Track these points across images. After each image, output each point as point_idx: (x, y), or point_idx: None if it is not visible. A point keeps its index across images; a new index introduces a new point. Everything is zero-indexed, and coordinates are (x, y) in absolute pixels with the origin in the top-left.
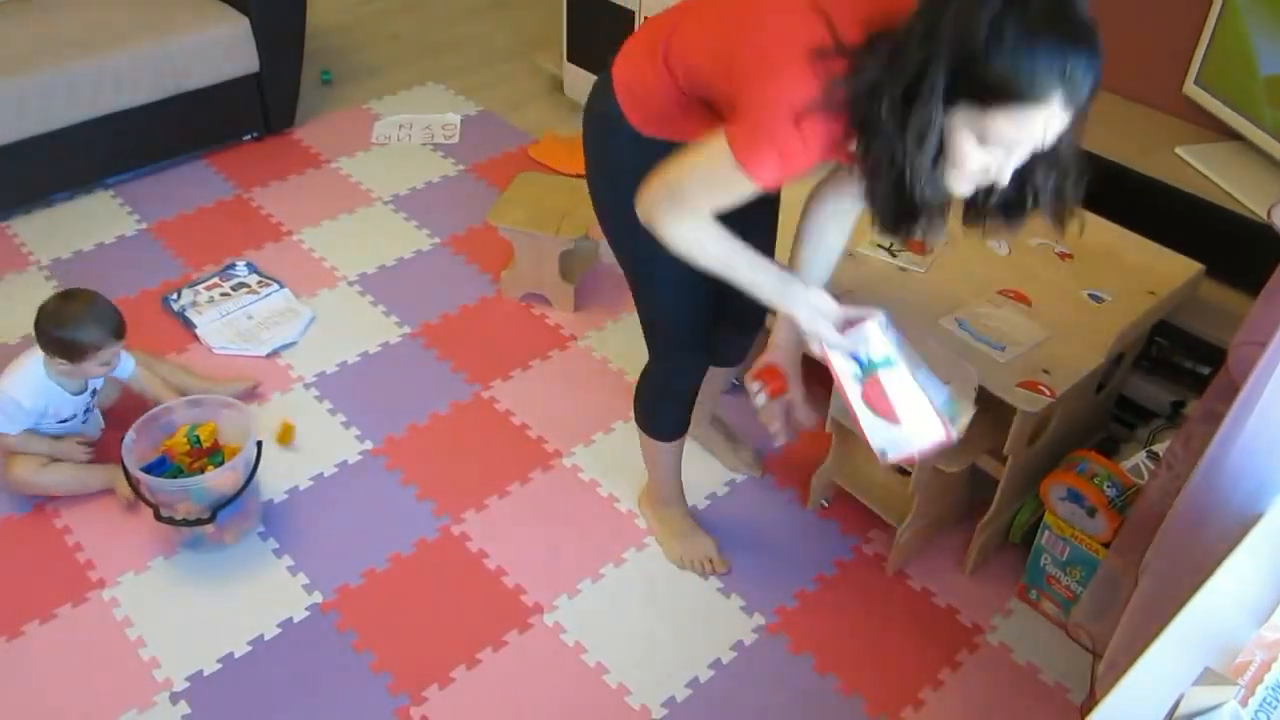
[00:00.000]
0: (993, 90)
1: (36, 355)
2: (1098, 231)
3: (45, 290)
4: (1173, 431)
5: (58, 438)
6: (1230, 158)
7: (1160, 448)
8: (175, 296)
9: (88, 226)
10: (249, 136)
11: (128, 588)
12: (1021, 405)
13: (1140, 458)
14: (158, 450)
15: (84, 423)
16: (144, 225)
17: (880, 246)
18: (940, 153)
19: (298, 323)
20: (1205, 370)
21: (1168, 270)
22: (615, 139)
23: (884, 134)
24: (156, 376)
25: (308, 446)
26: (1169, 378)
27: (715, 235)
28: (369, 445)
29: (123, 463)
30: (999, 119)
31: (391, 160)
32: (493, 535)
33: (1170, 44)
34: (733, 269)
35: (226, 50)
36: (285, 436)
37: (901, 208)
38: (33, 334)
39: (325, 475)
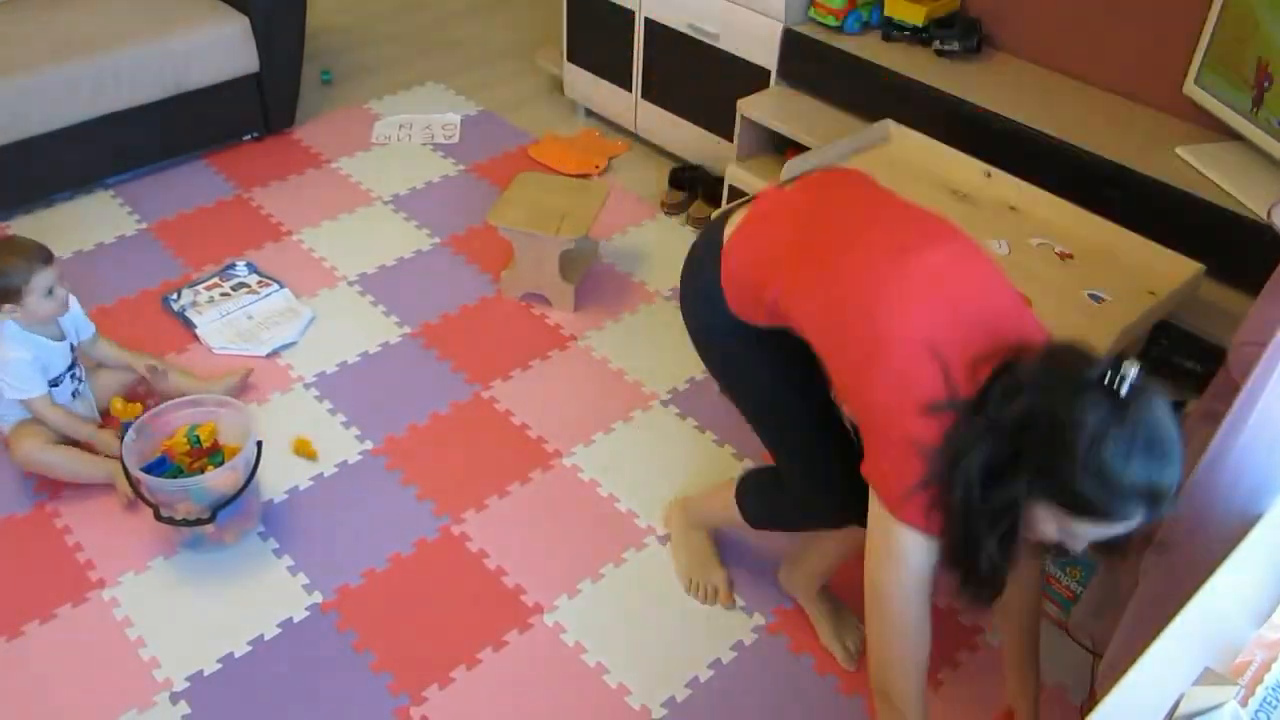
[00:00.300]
0: (1080, 506)
1: (3, 319)
2: (1097, 231)
3: None
4: None
5: (90, 425)
6: (1230, 158)
7: None
8: (175, 296)
9: (88, 226)
10: (249, 136)
11: (128, 588)
12: None
13: None
14: (158, 450)
15: (74, 395)
16: (144, 225)
17: None
18: (1012, 529)
19: (298, 322)
20: (1206, 370)
21: (1168, 270)
22: (715, 315)
23: (963, 499)
24: (118, 349)
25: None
26: (1170, 377)
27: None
28: (369, 445)
29: (122, 462)
30: (1084, 523)
31: (391, 160)
32: (493, 535)
33: (1170, 44)
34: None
35: (227, 50)
36: (304, 449)
37: (966, 569)
38: None
39: (325, 475)
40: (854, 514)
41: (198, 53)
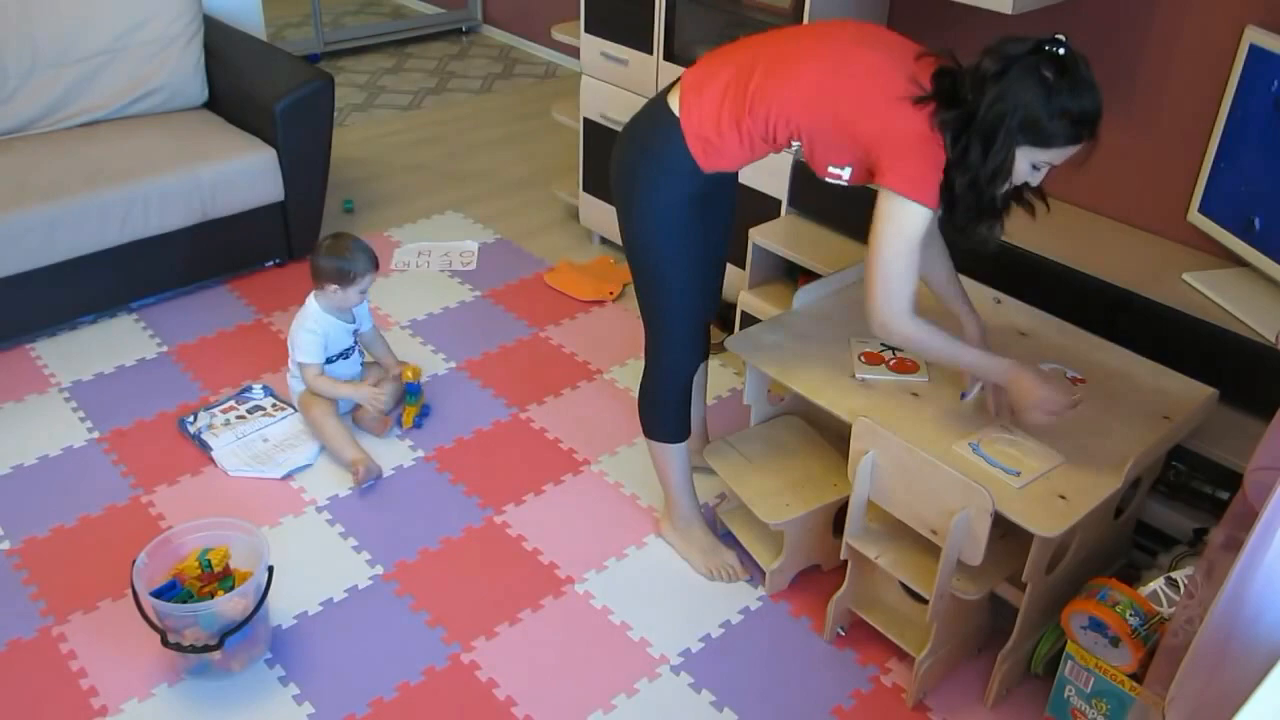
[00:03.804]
0: (1052, 140)
1: (309, 299)
2: (1110, 357)
3: (64, 412)
4: (1195, 558)
5: (348, 385)
6: (1236, 283)
7: (1181, 574)
8: (191, 419)
9: (109, 349)
10: (272, 263)
11: (130, 716)
12: (1039, 531)
13: (1159, 584)
14: (169, 573)
15: (355, 374)
16: (164, 348)
17: (879, 364)
18: (1005, 175)
19: (314, 444)
20: (1225, 495)
21: (1181, 395)
22: (677, 179)
23: (970, 166)
24: (386, 348)
25: (318, 571)
26: (1189, 503)
27: (931, 330)
28: (380, 570)
29: (132, 586)
30: (1052, 152)
31: (410, 286)
32: (503, 664)
33: (1173, 173)
34: (954, 354)
35: (253, 180)
36: (412, 373)
37: (980, 212)
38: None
39: (335, 600)
40: (698, 361)
41: (225, 182)
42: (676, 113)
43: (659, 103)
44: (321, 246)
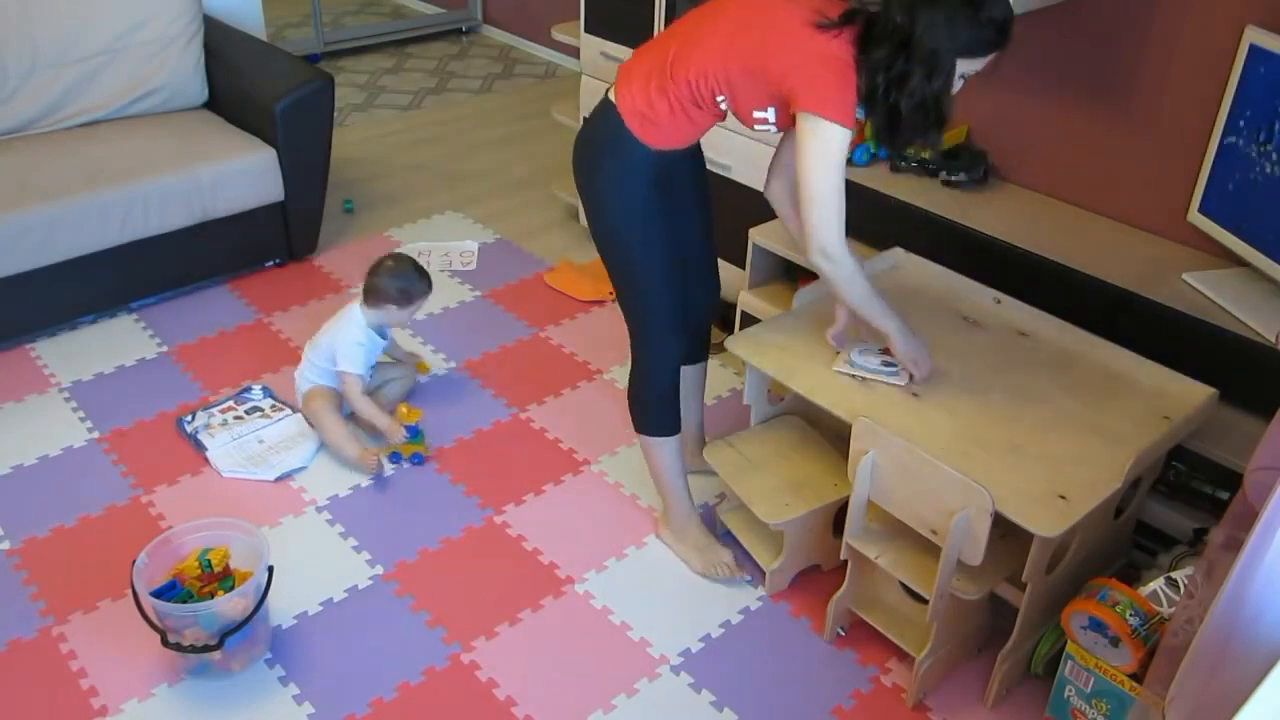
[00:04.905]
0: (985, 48)
1: (354, 309)
2: (1110, 356)
3: (64, 412)
4: (1195, 558)
5: (384, 415)
6: (1236, 283)
7: (1181, 574)
8: (189, 419)
9: (109, 349)
10: (272, 262)
11: (130, 716)
12: (1039, 531)
13: (1159, 584)
14: (169, 573)
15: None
16: (164, 348)
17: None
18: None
19: (308, 447)
20: (1225, 495)
21: (1181, 395)
22: (631, 165)
23: (914, 90)
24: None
25: (318, 571)
26: (1189, 503)
27: (857, 262)
28: (380, 570)
29: (132, 586)
30: (981, 60)
31: None
32: (503, 664)
33: (1173, 173)
34: (868, 294)
35: (253, 180)
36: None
37: (929, 128)
38: None
39: (335, 600)
40: (682, 350)
41: (225, 182)
42: (614, 100)
43: (601, 100)
44: (383, 267)
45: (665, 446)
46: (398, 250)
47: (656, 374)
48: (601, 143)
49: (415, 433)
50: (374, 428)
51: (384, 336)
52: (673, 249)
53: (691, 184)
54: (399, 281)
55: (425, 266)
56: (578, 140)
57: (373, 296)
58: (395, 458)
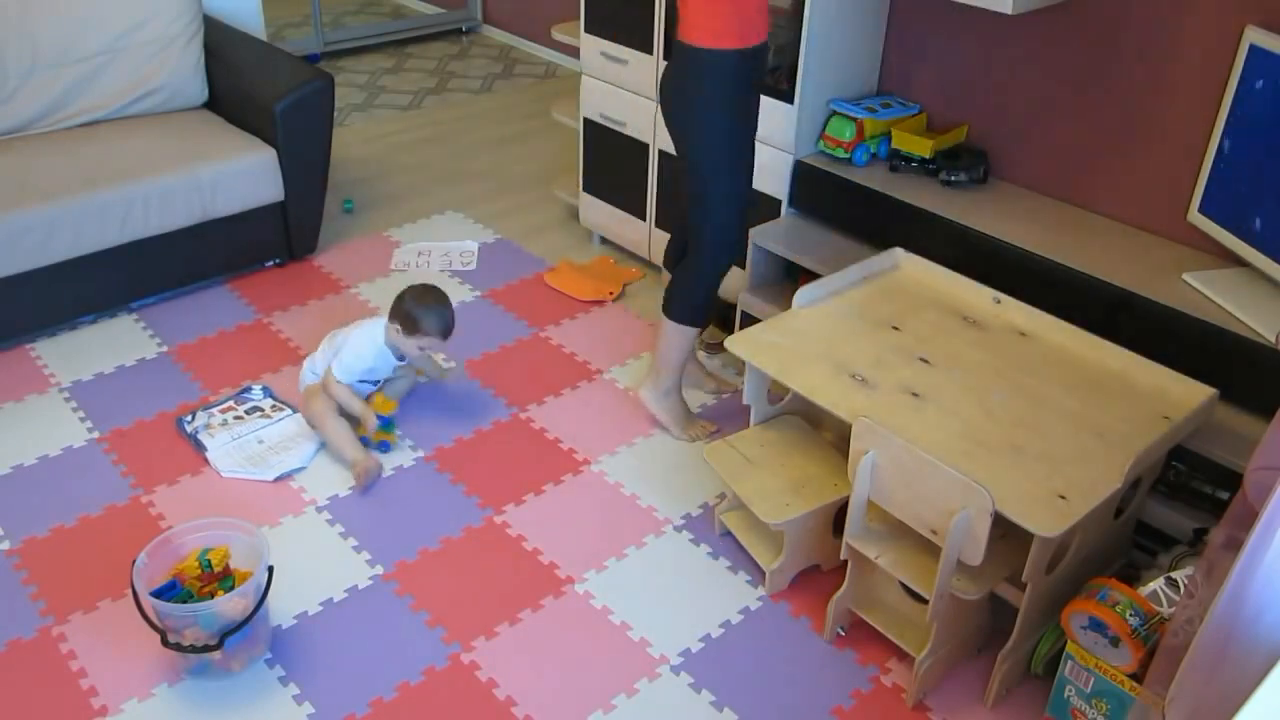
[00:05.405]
0: None
1: (379, 321)
2: (1110, 356)
3: (64, 412)
4: (1195, 558)
5: (360, 401)
6: (1236, 283)
7: (1181, 574)
8: (189, 419)
9: (109, 349)
10: (272, 262)
11: (130, 716)
12: (1039, 531)
13: (1159, 584)
14: (169, 573)
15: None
16: (164, 348)
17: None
18: None
19: (308, 447)
20: (1225, 495)
21: (1181, 395)
22: (718, 75)
23: None
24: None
25: (318, 571)
26: (1189, 503)
27: None
28: (379, 570)
29: (132, 586)
30: None
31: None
32: (503, 664)
33: (1173, 173)
34: None
35: (253, 180)
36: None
37: None
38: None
39: (335, 600)
40: (735, 257)
41: (225, 182)
42: (685, 40)
43: (675, 46)
44: (415, 290)
45: (687, 334)
46: (427, 283)
47: (710, 276)
48: (692, 73)
49: (386, 423)
50: (348, 412)
51: (404, 359)
52: (747, 147)
53: (757, 82)
54: (420, 307)
55: (425, 266)
56: (664, 84)
57: (392, 315)
58: (364, 441)
